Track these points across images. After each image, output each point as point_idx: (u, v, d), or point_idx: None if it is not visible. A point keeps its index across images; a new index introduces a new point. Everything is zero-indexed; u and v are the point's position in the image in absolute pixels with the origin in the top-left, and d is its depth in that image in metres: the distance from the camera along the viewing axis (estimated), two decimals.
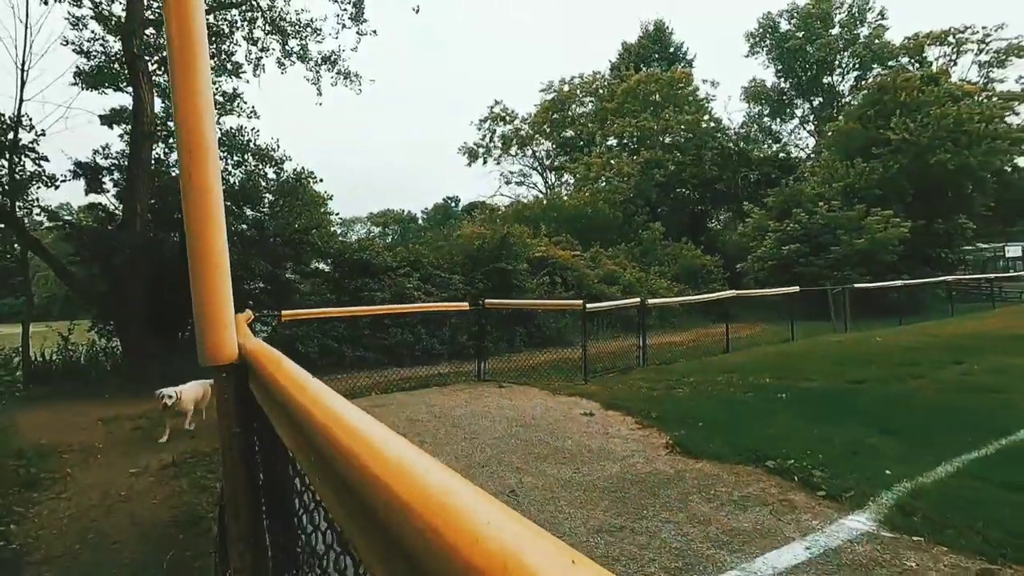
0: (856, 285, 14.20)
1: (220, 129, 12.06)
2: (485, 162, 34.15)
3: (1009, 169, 22.27)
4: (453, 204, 54.84)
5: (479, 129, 33.67)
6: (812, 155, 27.42)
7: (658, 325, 14.53)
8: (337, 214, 14.09)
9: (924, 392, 6.32)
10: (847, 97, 41.02)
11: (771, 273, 18.68)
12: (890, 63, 37.55)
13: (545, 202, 23.90)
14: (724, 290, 21.47)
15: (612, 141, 29.96)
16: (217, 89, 12.92)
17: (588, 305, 8.21)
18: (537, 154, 36.42)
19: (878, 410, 5.58)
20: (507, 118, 32.95)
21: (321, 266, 12.80)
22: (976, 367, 7.81)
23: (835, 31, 39.14)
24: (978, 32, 34.56)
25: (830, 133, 22.23)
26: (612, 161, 25.70)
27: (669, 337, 14.09)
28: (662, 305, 9.91)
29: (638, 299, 9.58)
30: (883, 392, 6.41)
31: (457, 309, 8.68)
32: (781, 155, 28.29)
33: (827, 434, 4.77)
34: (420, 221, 56.11)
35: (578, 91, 31.82)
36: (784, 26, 39.98)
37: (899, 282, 15.27)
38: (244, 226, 11.24)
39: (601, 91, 31.30)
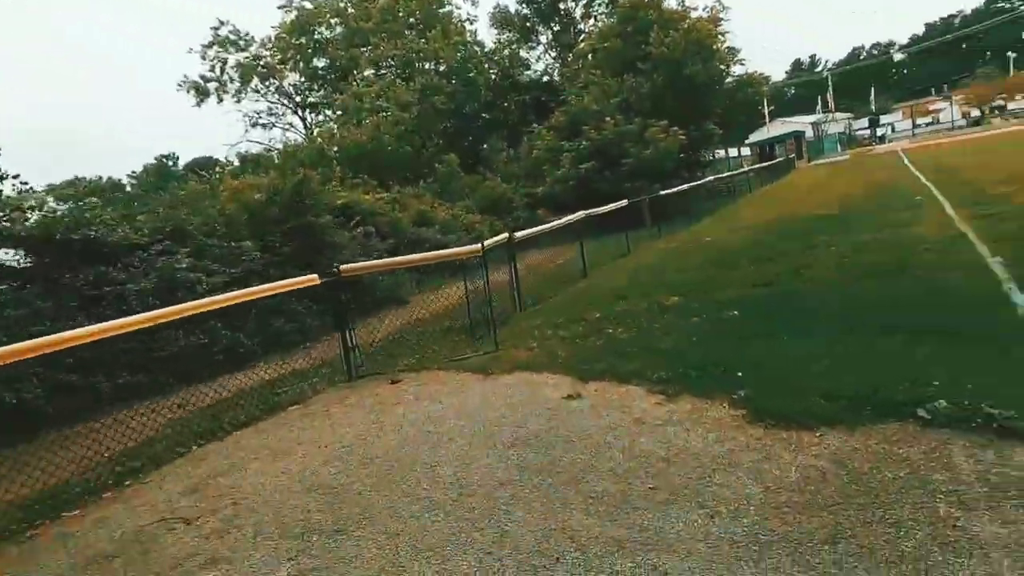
0: (662, 192, 14.94)
1: None
2: (220, 100, 27.43)
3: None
4: (171, 163, 44.41)
5: (204, 58, 26.56)
6: (569, 76, 28.56)
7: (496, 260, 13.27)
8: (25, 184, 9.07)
9: (848, 275, 6.21)
10: (580, 24, 43.77)
11: (572, 192, 18.88)
12: None
13: (320, 141, 20.04)
14: (527, 217, 21.32)
15: (372, 70, 26.64)
16: None
17: (488, 243, 6.31)
18: (284, 88, 30.79)
19: (857, 307, 5.12)
20: (240, 43, 26.53)
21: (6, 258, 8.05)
22: (835, 239, 8.38)
23: None
24: None
25: (591, 54, 22.95)
26: (387, 91, 22.75)
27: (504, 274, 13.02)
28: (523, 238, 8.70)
29: (505, 235, 8.01)
30: (814, 288, 6.13)
31: (301, 287, 5.93)
32: (545, 79, 28.80)
33: (866, 348, 4.01)
34: (129, 189, 44.25)
35: (325, 10, 27.08)
36: None
37: (686, 186, 16.69)
38: None
39: (351, 10, 27.22)
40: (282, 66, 27.77)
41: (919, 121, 57.87)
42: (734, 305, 5.98)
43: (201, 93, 26.87)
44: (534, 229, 9.63)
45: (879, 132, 56.28)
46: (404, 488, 3.33)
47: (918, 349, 3.85)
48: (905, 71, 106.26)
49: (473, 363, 5.71)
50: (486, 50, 28.61)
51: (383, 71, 25.35)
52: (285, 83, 29.81)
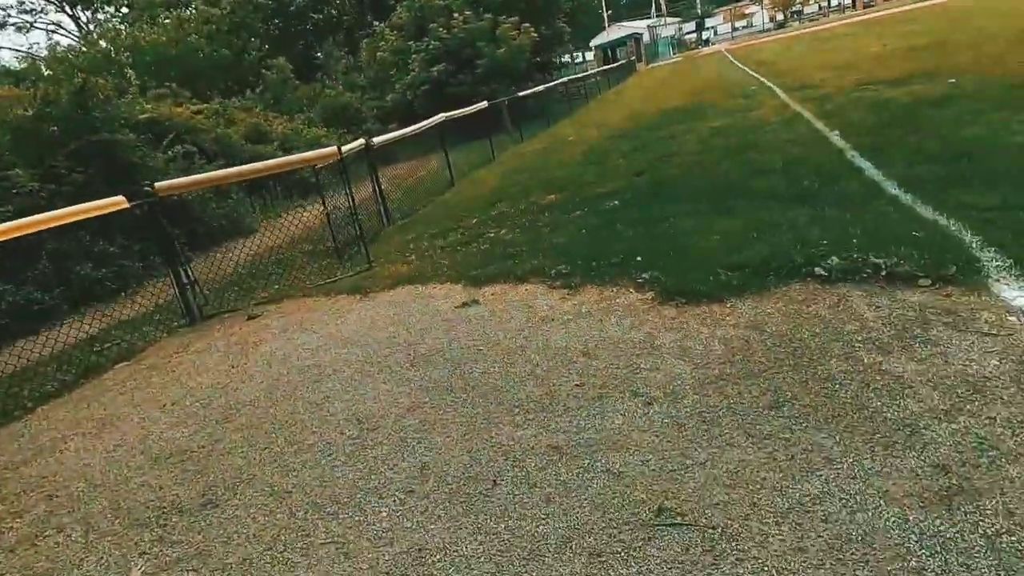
0: (521, 94, 14.38)
1: None
2: None
3: None
4: None
5: None
6: None
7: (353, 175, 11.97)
8: None
9: (712, 157, 6.32)
10: None
11: (425, 99, 17.54)
12: None
13: (104, 44, 15.84)
14: (379, 130, 19.65)
15: None
16: None
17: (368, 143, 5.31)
18: None
19: (728, 185, 5.17)
20: None
21: None
22: (691, 126, 8.60)
23: None
24: None
25: None
26: None
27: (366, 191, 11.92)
28: (384, 144, 7.64)
29: (362, 141, 7.03)
30: (685, 172, 6.17)
31: (101, 213, 4.55)
32: None
33: (750, 219, 4.04)
34: None
35: None
36: None
37: (542, 87, 16.26)
38: None
39: None
40: None
41: (737, 24, 62.77)
42: (613, 196, 5.86)
43: None
44: (394, 134, 8.65)
45: (704, 35, 60.22)
46: (287, 436, 2.73)
47: (796, 215, 3.96)
48: None
49: (346, 284, 5.00)
50: None
51: None
52: None
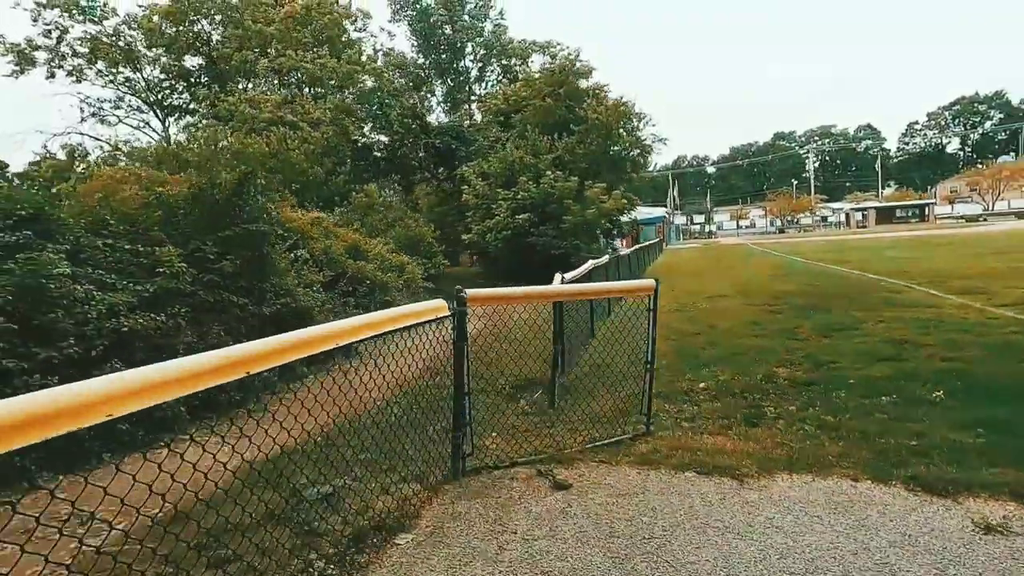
0: (622, 252, 14.39)
1: None
2: (52, 75, 21.16)
3: None
4: None
5: (36, 19, 20.39)
6: (482, 127, 28.07)
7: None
8: None
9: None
10: (473, 83, 44.59)
11: (506, 243, 17.62)
12: (503, 61, 42.56)
13: (204, 144, 16.03)
14: (442, 261, 19.52)
15: (268, 80, 23.22)
16: None
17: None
18: (136, 81, 25.44)
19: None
20: (95, 12, 20.97)
21: None
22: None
23: (466, 19, 41.47)
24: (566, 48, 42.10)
25: (519, 111, 22.61)
26: (293, 103, 19.67)
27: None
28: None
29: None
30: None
31: (430, 318, 3.51)
32: (458, 125, 27.87)
33: None
34: None
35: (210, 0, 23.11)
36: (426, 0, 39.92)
37: (631, 248, 16.50)
38: None
39: (244, 10, 23.69)
40: (151, 51, 22.77)
41: (735, 223, 68.86)
42: (909, 380, 5.02)
43: (24, 60, 20.48)
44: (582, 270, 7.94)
45: (708, 229, 65.62)
46: None
47: None
48: (715, 182, 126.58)
49: (641, 451, 3.85)
50: (394, 86, 26.84)
51: (284, 82, 22.09)
52: (142, 73, 24.59)
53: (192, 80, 25.78)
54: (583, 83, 22.00)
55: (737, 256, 25.38)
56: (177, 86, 26.40)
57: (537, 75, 25.67)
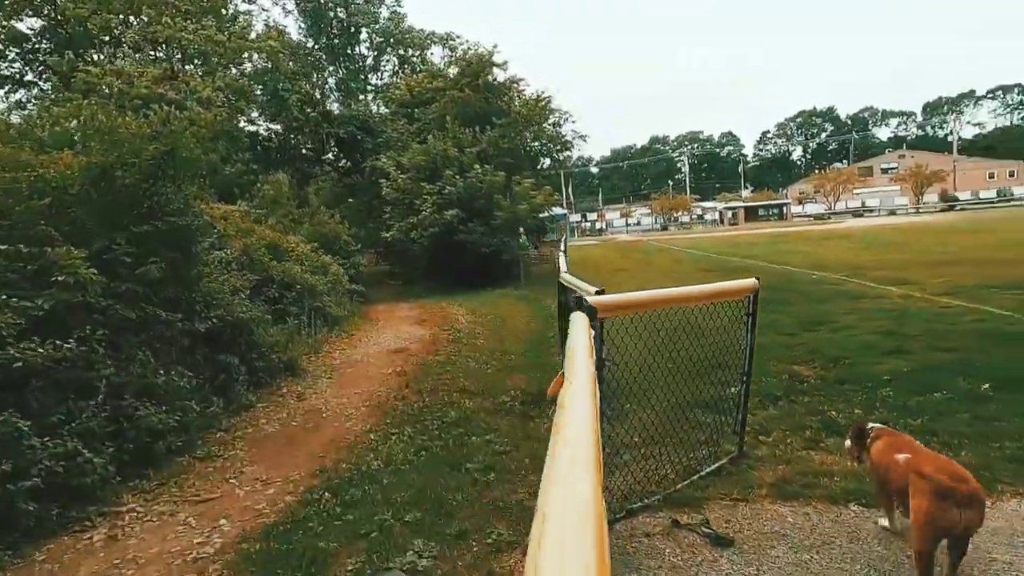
0: (563, 247, 13.99)
1: None
2: None
3: None
4: None
5: None
6: (389, 119, 26.26)
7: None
8: None
9: None
10: (369, 72, 42.24)
11: (434, 240, 16.51)
12: (400, 51, 40.74)
13: (61, 121, 12.85)
14: (362, 260, 18.00)
15: (136, 53, 19.80)
16: None
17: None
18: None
19: None
20: None
21: None
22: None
23: (360, 1, 38.91)
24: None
25: (432, 102, 21.40)
26: (181, 79, 16.76)
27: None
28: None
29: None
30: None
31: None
32: (364, 114, 25.93)
33: None
34: None
35: None
36: None
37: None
38: None
39: None
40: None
41: (624, 221, 72.68)
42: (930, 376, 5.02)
43: None
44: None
45: (597, 226, 68.58)
46: None
47: None
48: (598, 182, 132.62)
49: (766, 479, 3.31)
50: (290, 68, 24.19)
51: (162, 57, 18.83)
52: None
53: (30, 47, 21.37)
54: (500, 75, 21.42)
55: (644, 252, 26.37)
56: (7, 52, 21.72)
57: (451, 65, 24.64)
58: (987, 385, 4.65)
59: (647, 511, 3.09)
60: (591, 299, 2.74)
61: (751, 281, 3.59)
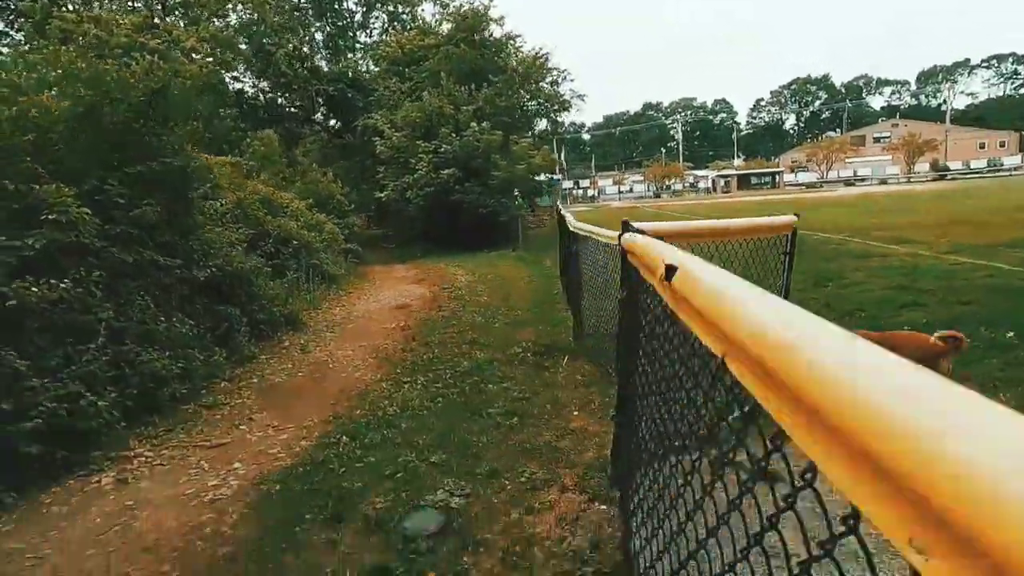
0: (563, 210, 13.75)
1: None
2: None
3: None
4: None
5: None
6: (381, 76, 25.37)
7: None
8: None
9: None
10: (357, 30, 40.75)
11: (430, 200, 16.16)
12: (389, 7, 39.22)
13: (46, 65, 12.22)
14: (357, 220, 17.62)
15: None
16: None
17: None
18: None
19: None
20: None
21: None
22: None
23: None
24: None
25: (428, 58, 20.65)
26: (163, 28, 15.97)
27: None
28: None
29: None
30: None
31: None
32: (354, 72, 25.08)
33: None
34: None
35: None
36: None
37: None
38: None
39: None
40: None
41: (616, 188, 72.13)
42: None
43: None
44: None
45: (590, 193, 68.02)
46: None
47: None
48: (590, 148, 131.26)
49: None
50: (276, 22, 23.17)
51: (136, 4, 17.90)
52: None
53: None
54: (497, 31, 20.66)
55: (639, 218, 26.14)
56: None
57: (443, 23, 23.75)
58: (1012, 334, 4.59)
59: None
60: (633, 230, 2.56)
61: (789, 217, 3.43)
